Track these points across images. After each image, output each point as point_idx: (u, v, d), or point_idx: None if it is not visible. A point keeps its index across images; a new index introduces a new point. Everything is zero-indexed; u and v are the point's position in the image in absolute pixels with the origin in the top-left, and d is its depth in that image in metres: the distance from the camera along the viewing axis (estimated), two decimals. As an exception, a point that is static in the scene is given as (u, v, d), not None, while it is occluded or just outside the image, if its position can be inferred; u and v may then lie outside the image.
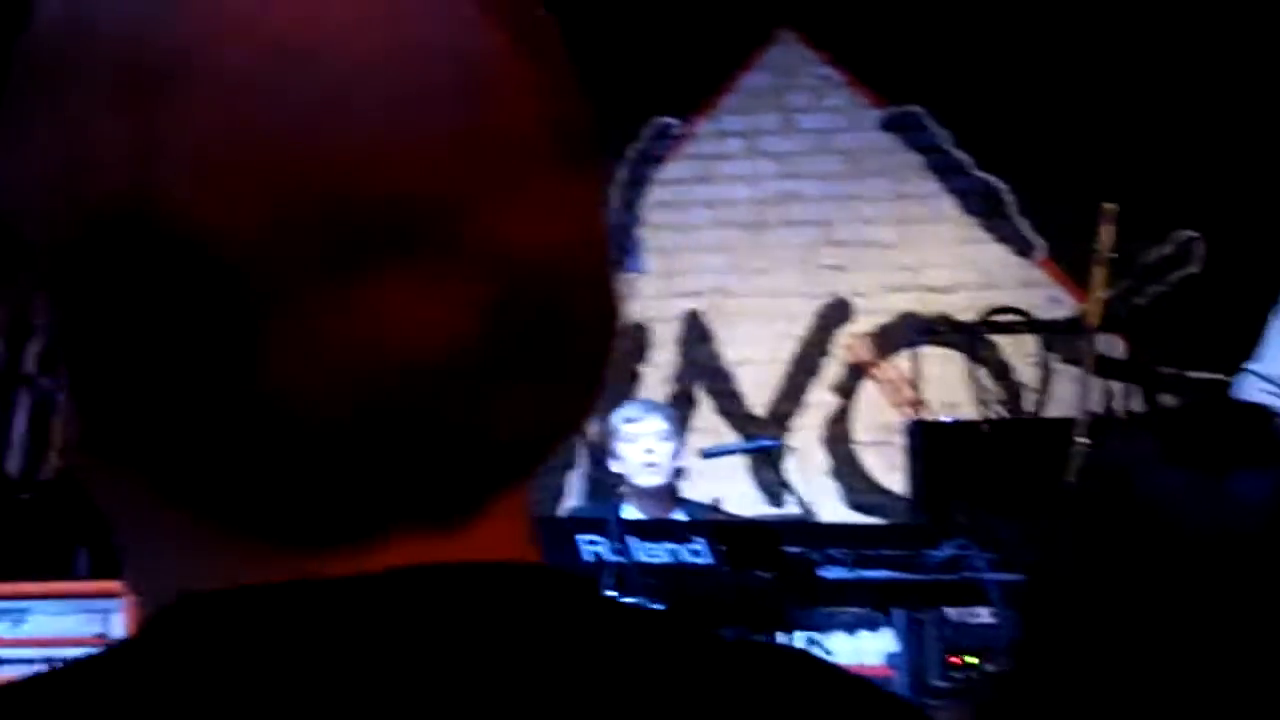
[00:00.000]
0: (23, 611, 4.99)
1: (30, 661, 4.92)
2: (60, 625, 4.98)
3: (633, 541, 4.40)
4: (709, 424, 7.67)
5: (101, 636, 4.88)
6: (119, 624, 4.87)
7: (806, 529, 5.55)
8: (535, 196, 0.73)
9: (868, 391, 7.73)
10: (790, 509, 6.88)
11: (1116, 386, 6.89)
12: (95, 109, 0.71)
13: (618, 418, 5.75)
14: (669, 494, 5.80)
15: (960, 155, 7.74)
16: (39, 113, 0.74)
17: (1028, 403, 7.49)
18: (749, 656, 0.80)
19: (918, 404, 7.36)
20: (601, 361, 0.78)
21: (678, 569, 4.37)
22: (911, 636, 4.48)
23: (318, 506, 0.72)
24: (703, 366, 7.79)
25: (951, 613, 4.55)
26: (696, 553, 4.38)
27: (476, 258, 0.71)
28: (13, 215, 0.75)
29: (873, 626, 4.71)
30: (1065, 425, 5.87)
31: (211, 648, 0.71)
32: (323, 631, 0.71)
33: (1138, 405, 6.89)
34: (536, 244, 0.73)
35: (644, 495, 5.72)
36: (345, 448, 0.71)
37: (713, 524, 5.20)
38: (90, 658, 0.73)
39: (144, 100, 0.70)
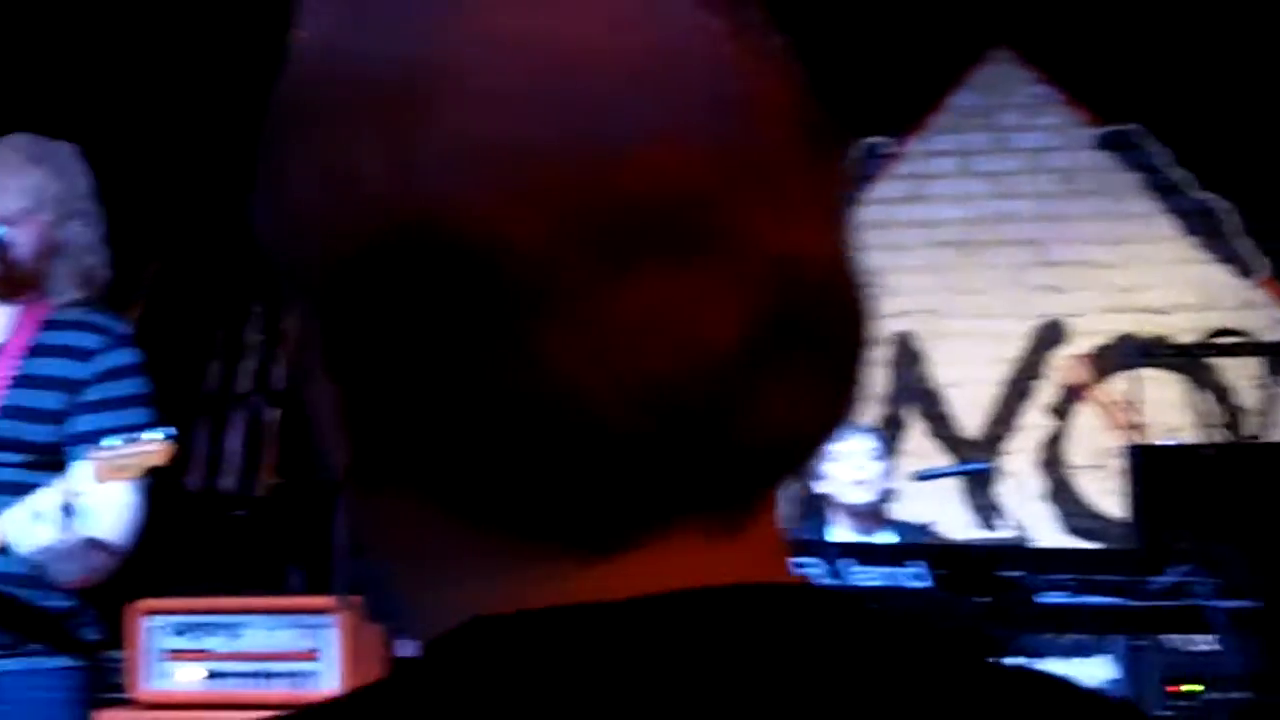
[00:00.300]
0: (238, 626, 5.06)
1: (246, 675, 4.99)
2: (275, 640, 5.04)
3: (846, 564, 4.34)
4: (919, 447, 7.57)
5: (314, 651, 4.93)
6: (332, 639, 4.91)
7: (1022, 553, 5.45)
8: (793, 198, 0.75)
9: (1083, 414, 7.59)
10: (1003, 533, 6.78)
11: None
12: (357, 131, 0.73)
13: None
14: (876, 514, 5.75)
15: (1179, 174, 7.58)
16: (298, 143, 0.75)
17: (1250, 426, 7.30)
18: (1035, 685, 0.80)
19: (1136, 427, 7.20)
20: (858, 363, 0.78)
21: (892, 593, 4.30)
22: (1130, 664, 4.39)
23: (604, 505, 0.73)
24: (913, 388, 7.70)
25: (1171, 640, 4.46)
26: (912, 576, 4.31)
27: (743, 258, 0.72)
28: (276, 247, 0.77)
29: (1089, 653, 4.62)
30: (1290, 449, 5.71)
31: (501, 676, 0.72)
32: (612, 660, 0.72)
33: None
34: (797, 245, 0.74)
35: (851, 514, 5.67)
36: (629, 445, 0.72)
37: (928, 547, 5.13)
38: (380, 683, 0.75)
39: (404, 117, 0.72)
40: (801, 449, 0.77)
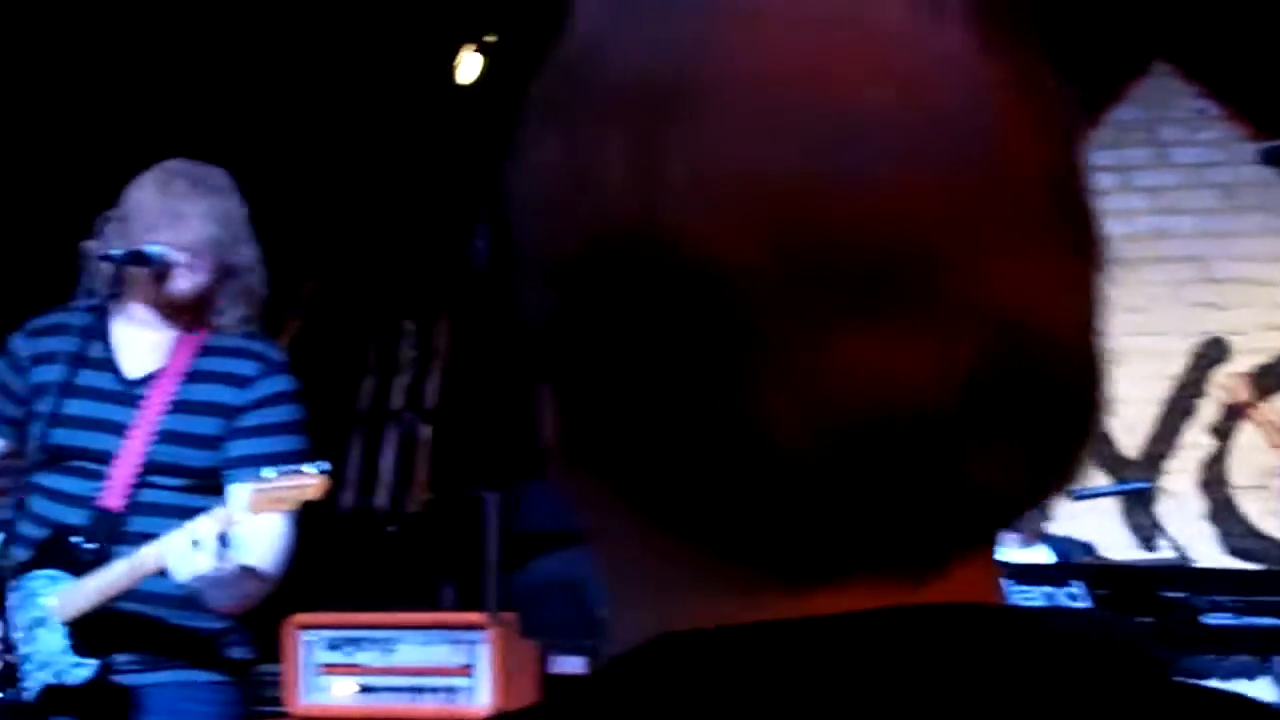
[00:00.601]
0: (392, 641, 5.08)
1: (398, 690, 5.01)
2: (428, 655, 5.05)
3: (1005, 584, 4.28)
4: (1078, 466, 7.47)
5: (467, 667, 4.94)
6: (485, 655, 4.92)
7: (1185, 573, 5.35)
8: (1031, 260, 0.72)
9: (1245, 433, 7.44)
10: (1163, 553, 6.66)
11: None
12: (606, 130, 0.73)
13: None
14: (1032, 531, 5.69)
15: (1345, 189, 7.43)
16: (552, 132, 0.75)
17: None
18: (1234, 707, 0.77)
19: (1300, 447, 7.04)
20: (1084, 431, 0.76)
21: (1052, 612, 4.23)
22: (1294, 686, 4.31)
23: (783, 539, 0.72)
24: (1072, 407, 7.59)
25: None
26: (1073, 596, 4.23)
27: (965, 317, 0.70)
28: (519, 230, 0.77)
29: (1251, 675, 4.53)
30: None
31: (689, 690, 0.72)
32: (801, 676, 0.71)
33: None
34: (1027, 308, 0.72)
35: (1009, 531, 5.60)
36: (820, 486, 0.71)
37: (1087, 567, 5.05)
38: (577, 687, 0.75)
39: (655, 125, 0.71)
40: (1006, 512, 0.75)
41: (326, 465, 3.68)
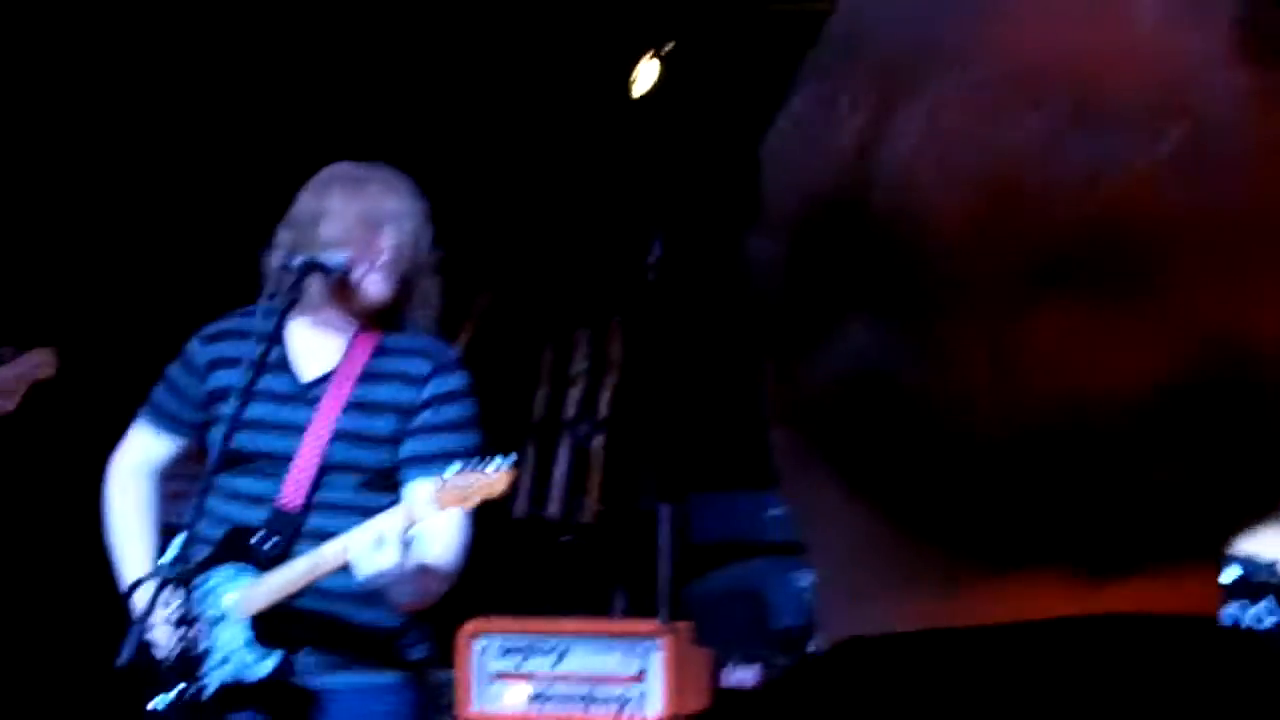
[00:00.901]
0: (564, 648, 5.08)
1: (570, 698, 5.01)
2: (600, 663, 5.04)
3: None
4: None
5: (641, 675, 4.92)
6: (658, 663, 4.90)
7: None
8: (1262, 272, 0.70)
9: None
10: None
11: None
12: (849, 94, 0.73)
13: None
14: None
15: None
16: (804, 94, 0.76)
17: None
18: None
19: None
20: None
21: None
22: None
23: (974, 521, 0.72)
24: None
25: None
26: (1265, 611, 4.14)
27: (1177, 316, 0.69)
28: (766, 176, 0.77)
29: None
30: None
31: (863, 702, 0.72)
32: (988, 691, 0.71)
33: None
34: (1246, 320, 0.69)
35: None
36: (1010, 469, 0.70)
37: (1276, 586, 4.93)
38: (756, 693, 0.75)
39: (897, 92, 0.71)
40: (1205, 525, 0.73)
41: (512, 457, 3.69)
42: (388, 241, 3.89)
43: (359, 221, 3.87)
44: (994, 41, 0.71)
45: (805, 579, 5.49)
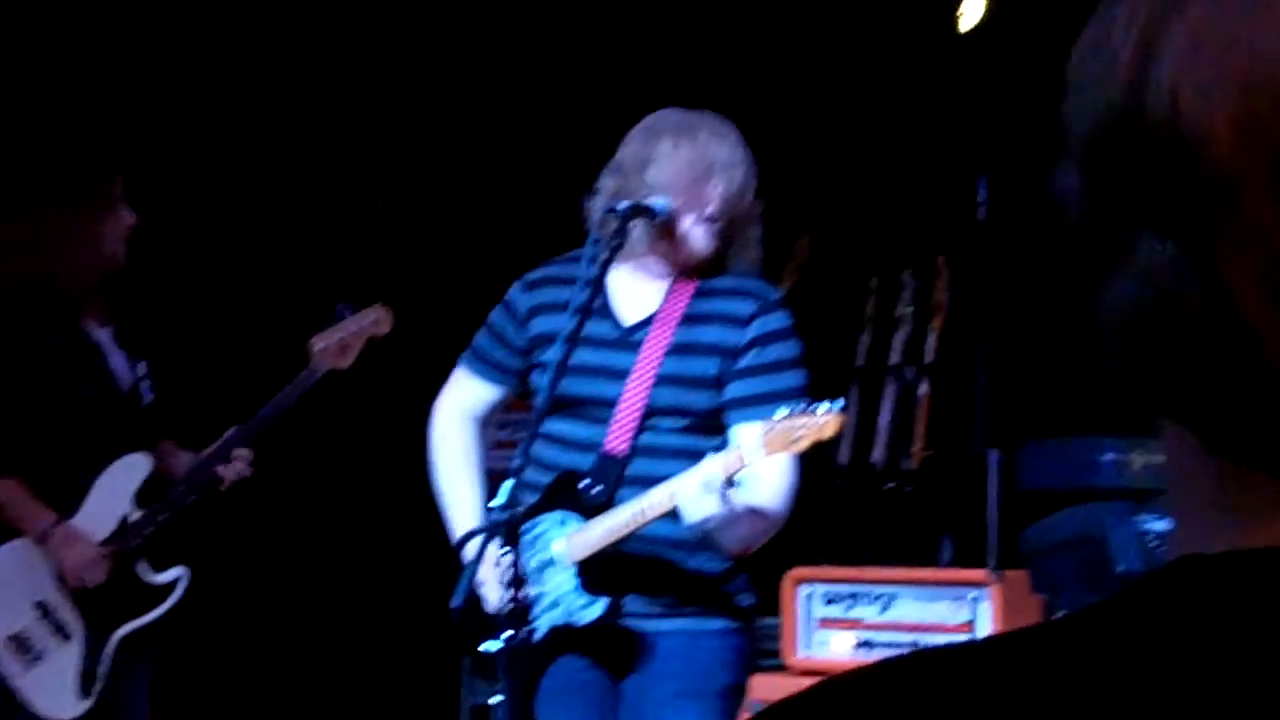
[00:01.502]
0: (890, 597, 5.03)
1: (896, 645, 4.96)
2: (926, 612, 4.98)
3: None
4: None
5: (969, 624, 4.85)
6: (987, 612, 4.82)
7: None
8: None
9: None
10: None
11: None
12: (1132, 15, 0.74)
13: None
14: None
15: None
16: (1097, 18, 0.77)
17: None
18: None
19: None
20: None
21: None
22: None
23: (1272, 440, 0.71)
24: None
25: None
26: None
27: None
28: (1067, 103, 0.78)
29: None
30: None
31: (1192, 616, 0.72)
32: None
33: None
34: None
35: None
36: None
37: None
38: (1091, 611, 0.75)
39: (1166, 8, 0.73)
40: None
41: (840, 401, 3.63)
42: (716, 191, 3.84)
43: (688, 167, 3.83)
44: None
45: (1148, 522, 5.34)
